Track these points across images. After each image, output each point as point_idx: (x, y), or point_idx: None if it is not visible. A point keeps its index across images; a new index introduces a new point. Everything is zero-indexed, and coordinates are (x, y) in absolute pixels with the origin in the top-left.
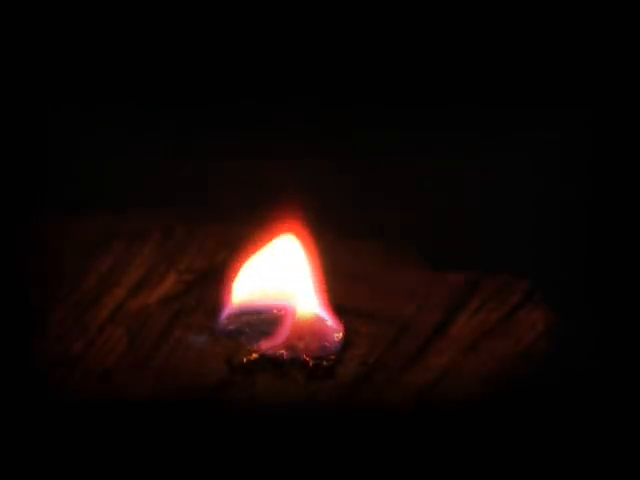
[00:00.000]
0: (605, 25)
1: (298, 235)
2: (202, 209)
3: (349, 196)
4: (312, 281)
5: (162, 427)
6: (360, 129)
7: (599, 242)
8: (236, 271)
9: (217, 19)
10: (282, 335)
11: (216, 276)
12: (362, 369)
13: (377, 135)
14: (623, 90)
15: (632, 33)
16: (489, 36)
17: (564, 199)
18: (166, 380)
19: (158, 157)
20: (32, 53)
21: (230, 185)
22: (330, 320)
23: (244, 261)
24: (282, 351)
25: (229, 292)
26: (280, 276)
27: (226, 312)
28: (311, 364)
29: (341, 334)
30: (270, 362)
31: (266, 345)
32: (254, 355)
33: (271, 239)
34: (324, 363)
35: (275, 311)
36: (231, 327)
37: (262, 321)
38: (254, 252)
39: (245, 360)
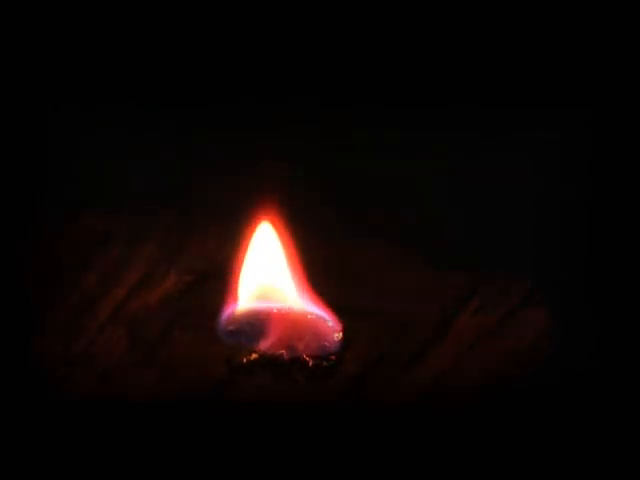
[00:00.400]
0: (605, 25)
1: (298, 235)
2: (202, 209)
3: (349, 196)
4: (312, 281)
5: (162, 427)
6: (360, 129)
7: (599, 242)
8: (236, 271)
9: (217, 19)
10: (282, 335)
11: (216, 276)
12: (362, 369)
13: (377, 135)
14: (623, 90)
15: (632, 33)
16: (489, 36)
17: (564, 199)
18: (166, 380)
19: (158, 157)
20: (32, 53)
21: (230, 185)
22: (330, 320)
23: (244, 261)
24: (282, 351)
25: (229, 292)
26: (280, 276)
27: (226, 312)
28: (311, 364)
29: (341, 334)
30: (270, 362)
31: (266, 345)
32: (254, 355)
33: (271, 239)
34: (324, 363)
35: (275, 311)
36: (231, 327)
37: (262, 321)
38: (254, 252)
39: (245, 360)
